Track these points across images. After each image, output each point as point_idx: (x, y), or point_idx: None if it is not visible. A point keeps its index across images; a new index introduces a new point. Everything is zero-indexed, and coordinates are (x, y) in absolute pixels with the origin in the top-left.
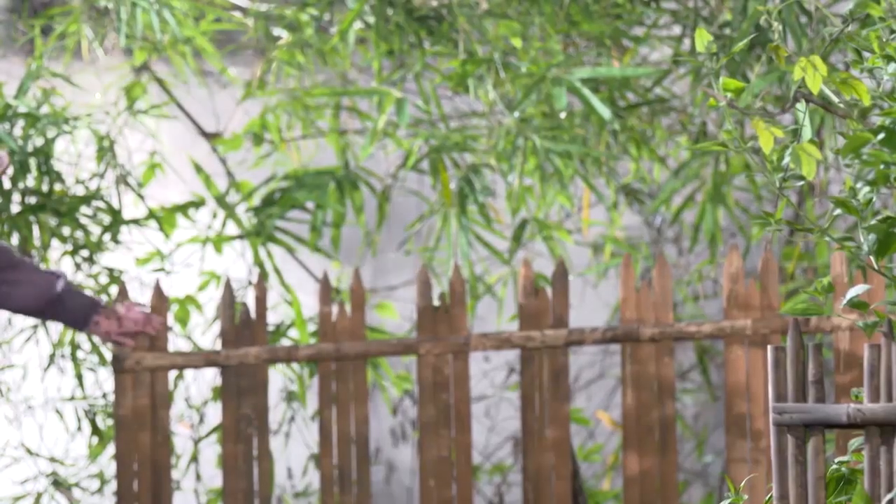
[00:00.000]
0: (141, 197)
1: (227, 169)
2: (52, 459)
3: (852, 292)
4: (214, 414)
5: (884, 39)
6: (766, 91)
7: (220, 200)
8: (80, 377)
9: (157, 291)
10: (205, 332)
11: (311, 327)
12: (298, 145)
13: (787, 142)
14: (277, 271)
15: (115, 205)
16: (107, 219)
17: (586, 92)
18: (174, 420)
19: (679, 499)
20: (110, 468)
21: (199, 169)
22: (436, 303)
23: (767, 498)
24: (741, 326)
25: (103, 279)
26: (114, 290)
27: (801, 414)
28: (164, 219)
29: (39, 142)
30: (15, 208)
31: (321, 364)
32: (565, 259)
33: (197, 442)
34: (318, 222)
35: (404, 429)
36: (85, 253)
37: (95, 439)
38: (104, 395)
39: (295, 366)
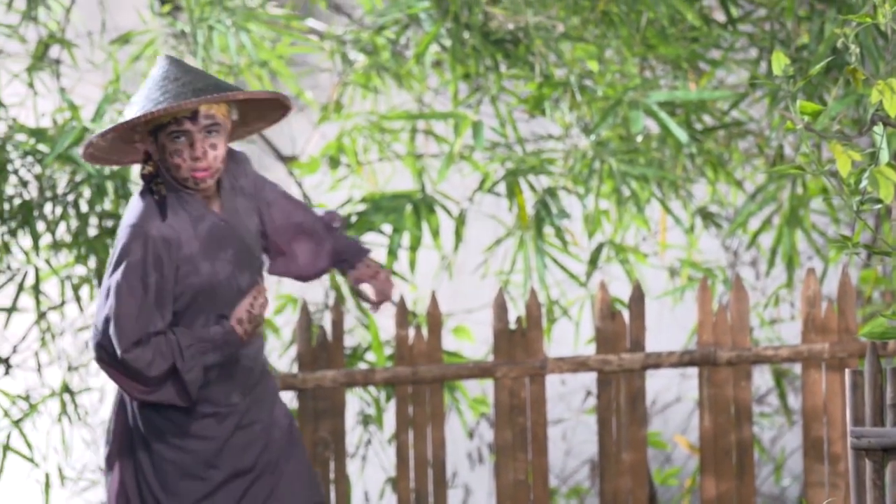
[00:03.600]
0: None
1: (304, 192)
2: None
3: None
4: None
5: None
6: (843, 114)
7: None
8: None
9: None
10: (281, 356)
11: (388, 350)
12: (375, 169)
13: (864, 165)
14: (354, 295)
15: None
16: None
17: (663, 115)
18: None
19: None
20: None
21: None
22: (512, 326)
23: None
24: (819, 350)
25: None
26: None
27: (880, 438)
28: None
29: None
30: (92, 231)
31: (398, 387)
32: (642, 282)
33: None
34: (395, 245)
35: (481, 452)
36: None
37: None
38: None
39: (372, 389)
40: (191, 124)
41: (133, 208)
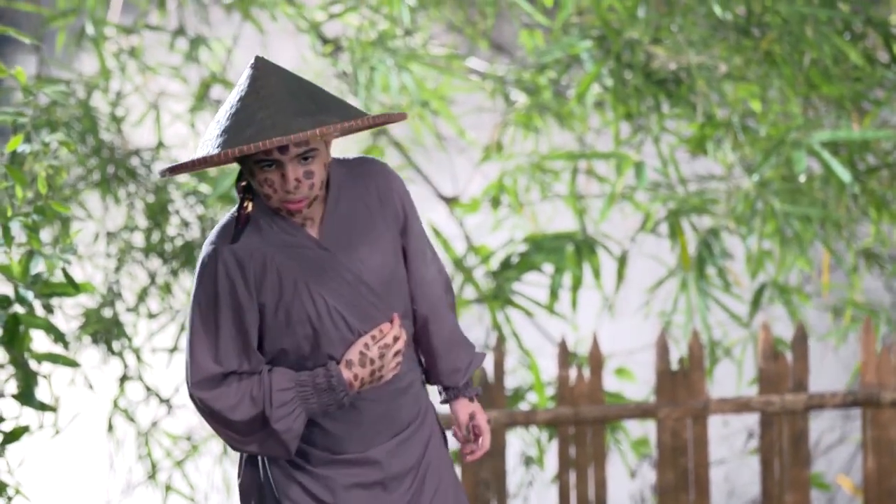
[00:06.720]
0: None
1: (465, 232)
2: None
3: None
4: None
5: None
6: None
7: (458, 264)
8: None
9: None
10: None
11: (550, 391)
12: (536, 209)
13: None
14: (515, 335)
15: None
16: None
17: (826, 155)
18: None
19: None
20: None
21: (437, 232)
22: (674, 367)
23: None
24: None
25: None
26: None
27: None
28: None
29: None
30: None
31: (559, 428)
32: (805, 323)
33: None
34: (556, 286)
35: (643, 493)
36: None
37: None
38: None
39: (533, 429)
40: (280, 154)
41: (218, 224)
